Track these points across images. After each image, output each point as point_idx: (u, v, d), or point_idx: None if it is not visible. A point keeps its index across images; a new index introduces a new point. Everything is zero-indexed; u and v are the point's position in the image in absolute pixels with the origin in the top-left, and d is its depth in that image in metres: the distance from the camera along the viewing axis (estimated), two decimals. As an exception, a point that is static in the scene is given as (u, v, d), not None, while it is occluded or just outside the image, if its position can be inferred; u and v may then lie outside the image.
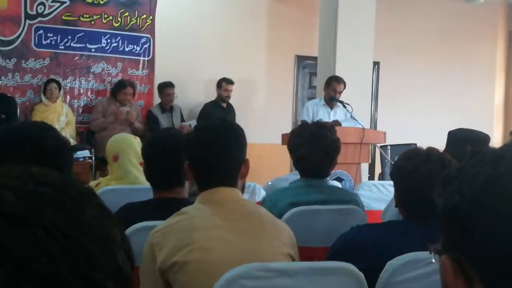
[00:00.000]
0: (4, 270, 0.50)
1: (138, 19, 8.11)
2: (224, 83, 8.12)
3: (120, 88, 7.65)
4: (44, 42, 7.66)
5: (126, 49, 8.09)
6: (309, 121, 5.49)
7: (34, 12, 7.58)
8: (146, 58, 8.21)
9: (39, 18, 7.61)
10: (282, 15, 9.00)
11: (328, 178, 3.07)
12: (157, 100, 8.15)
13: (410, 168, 2.15)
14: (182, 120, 7.92)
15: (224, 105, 8.17)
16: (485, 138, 3.60)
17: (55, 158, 1.63)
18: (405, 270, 1.88)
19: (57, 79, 7.62)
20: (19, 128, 1.82)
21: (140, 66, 8.19)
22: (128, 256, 0.60)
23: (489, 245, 0.78)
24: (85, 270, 0.54)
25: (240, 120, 7.21)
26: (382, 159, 6.89)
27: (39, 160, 1.58)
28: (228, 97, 8.17)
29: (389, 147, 6.78)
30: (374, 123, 9.36)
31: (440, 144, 3.44)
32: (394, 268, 1.88)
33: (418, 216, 2.12)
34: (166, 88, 7.88)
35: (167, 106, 7.93)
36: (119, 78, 7.96)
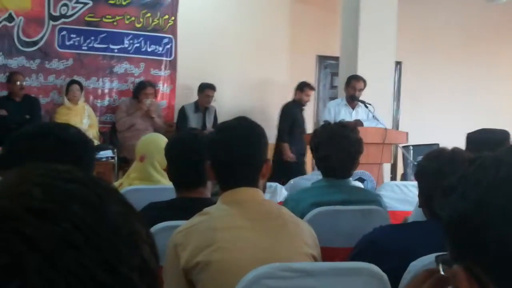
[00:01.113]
0: (34, 262, 0.51)
1: (160, 19, 8.14)
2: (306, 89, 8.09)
3: (140, 89, 7.70)
4: (67, 43, 7.72)
5: (149, 50, 8.13)
6: (331, 121, 5.48)
7: (58, 13, 7.64)
8: (168, 59, 8.24)
9: (63, 19, 7.67)
10: (303, 15, 8.98)
11: (350, 178, 3.06)
12: (179, 100, 8.18)
13: (435, 168, 2.13)
14: (215, 122, 7.91)
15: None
16: (503, 138, 3.55)
17: (76, 150, 1.65)
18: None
19: (80, 79, 7.68)
20: (44, 123, 1.85)
21: (163, 67, 8.23)
22: (152, 251, 0.61)
23: (500, 247, 0.78)
24: (112, 264, 0.55)
25: (261, 120, 7.21)
26: (405, 159, 6.84)
27: (61, 151, 1.60)
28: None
29: (411, 147, 6.73)
30: (396, 123, 9.30)
31: (463, 144, 3.41)
32: (417, 269, 1.87)
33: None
34: (207, 89, 7.90)
35: (201, 106, 7.96)
36: (142, 78, 8.01)
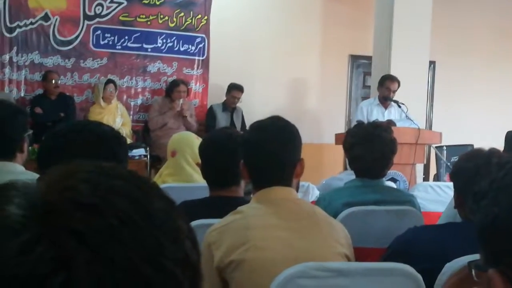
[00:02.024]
0: (82, 255, 0.53)
1: (193, 19, 8.19)
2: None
3: (173, 87, 7.76)
4: (101, 42, 7.81)
5: (181, 49, 8.18)
6: (364, 121, 5.45)
7: (92, 13, 7.73)
8: (201, 58, 8.28)
9: (97, 19, 7.76)
10: (336, 14, 8.95)
11: (383, 178, 3.05)
12: (211, 99, 8.23)
13: (471, 168, 2.11)
14: (243, 122, 7.95)
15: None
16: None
17: (111, 146, 1.68)
18: (464, 273, 1.84)
19: (114, 78, 7.77)
20: (78, 121, 1.90)
21: (195, 66, 8.28)
22: (194, 246, 0.62)
23: None
24: (156, 257, 0.56)
25: (293, 119, 7.20)
26: (438, 160, 6.77)
27: (96, 146, 1.63)
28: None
29: (445, 147, 6.66)
30: (429, 123, 9.21)
31: (498, 145, 3.36)
32: (452, 270, 1.85)
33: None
34: (234, 90, 7.96)
35: (229, 106, 8.01)
36: (174, 77, 8.06)
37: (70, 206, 0.55)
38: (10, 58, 7.47)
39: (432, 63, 8.96)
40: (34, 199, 0.57)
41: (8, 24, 7.41)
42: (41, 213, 0.55)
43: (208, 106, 8.21)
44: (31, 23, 7.51)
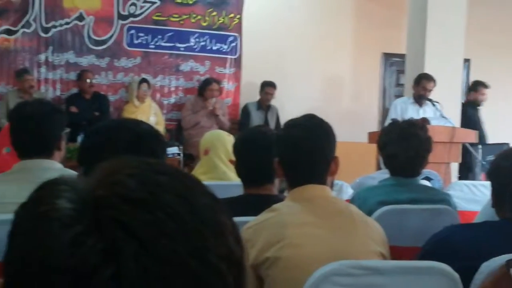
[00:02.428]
0: (130, 248, 0.54)
1: (226, 18, 8.22)
2: None
3: (206, 85, 7.81)
4: (135, 42, 7.89)
5: (214, 48, 8.22)
6: (398, 119, 5.40)
7: (126, 13, 7.82)
8: (234, 57, 8.31)
9: (131, 18, 7.85)
10: (369, 12, 8.90)
11: (418, 177, 3.02)
12: (244, 98, 8.25)
13: (508, 167, 2.09)
14: (278, 121, 7.97)
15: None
16: None
17: (150, 144, 1.70)
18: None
19: (147, 77, 7.84)
20: (117, 119, 1.95)
21: (228, 65, 8.31)
22: (238, 243, 0.63)
23: None
24: (201, 252, 0.57)
25: (326, 118, 7.18)
26: (473, 159, 6.69)
27: (135, 144, 1.66)
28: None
29: (480, 146, 6.58)
30: (464, 121, 9.10)
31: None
32: (490, 270, 1.83)
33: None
34: (267, 86, 8.01)
35: (264, 104, 8.03)
36: (207, 76, 8.11)
37: (118, 200, 0.57)
38: (46, 57, 7.60)
39: (467, 61, 8.84)
40: (84, 194, 0.58)
41: (44, 24, 7.53)
42: (91, 207, 0.57)
43: (241, 105, 8.24)
44: (66, 23, 7.62)
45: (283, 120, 7.86)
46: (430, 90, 6.64)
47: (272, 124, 7.83)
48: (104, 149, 1.63)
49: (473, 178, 6.67)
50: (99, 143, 1.70)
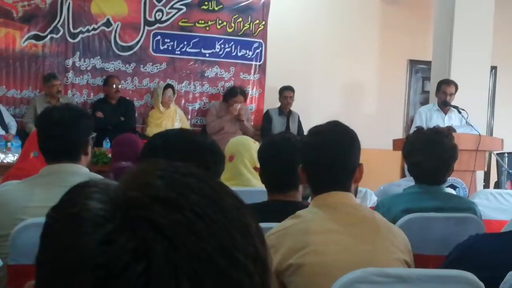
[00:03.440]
0: (160, 246, 0.56)
1: (251, 24, 8.25)
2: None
3: (231, 96, 7.82)
4: (161, 48, 7.95)
5: (239, 54, 8.25)
6: (423, 126, 5.37)
7: (153, 19, 7.88)
8: (258, 63, 8.33)
9: (157, 25, 7.91)
10: (394, 19, 8.87)
11: (443, 185, 3.00)
12: (268, 104, 8.26)
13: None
14: (300, 126, 7.97)
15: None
16: None
17: (205, 158, 1.77)
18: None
19: (172, 83, 7.89)
20: (184, 130, 2.08)
21: (252, 71, 8.33)
22: (262, 242, 0.65)
23: None
24: (230, 250, 0.59)
25: (350, 124, 7.17)
26: (499, 167, 6.63)
27: (190, 155, 1.72)
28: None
29: (506, 154, 6.52)
30: (490, 129, 9.02)
31: None
32: (516, 279, 1.82)
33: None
34: (285, 90, 8.02)
35: (285, 110, 8.04)
36: (232, 82, 8.14)
37: (148, 200, 0.59)
38: (73, 63, 7.69)
39: (493, 68, 8.77)
40: (114, 195, 0.61)
41: (71, 30, 7.62)
42: (121, 207, 0.59)
43: (265, 111, 8.25)
44: (94, 29, 7.71)
45: (306, 126, 7.84)
46: (451, 94, 6.59)
47: (293, 130, 7.82)
48: (161, 155, 1.68)
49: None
50: (158, 148, 1.77)
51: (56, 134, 2.42)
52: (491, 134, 8.80)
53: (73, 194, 0.63)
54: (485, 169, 6.44)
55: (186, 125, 7.81)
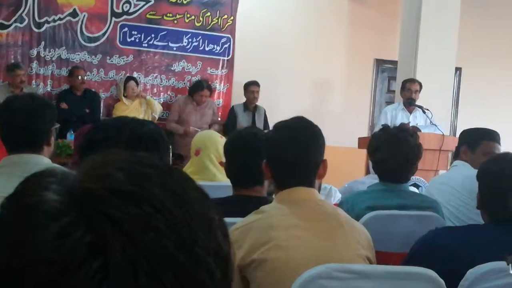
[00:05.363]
0: (118, 241, 0.54)
1: (220, 19, 8.22)
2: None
3: (197, 90, 7.72)
4: (128, 40, 7.87)
5: (207, 49, 8.21)
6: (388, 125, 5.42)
7: (120, 10, 7.79)
8: (226, 58, 8.30)
9: (125, 16, 7.82)
10: (362, 18, 8.93)
11: (407, 183, 3.03)
12: (235, 99, 8.24)
13: (497, 170, 2.12)
14: (266, 121, 7.93)
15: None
16: None
17: (147, 147, 1.68)
18: (486, 279, 1.83)
19: (139, 76, 7.82)
20: (122, 117, 1.93)
21: (220, 66, 8.30)
22: (225, 236, 0.63)
23: None
24: (189, 245, 0.57)
25: (316, 121, 7.20)
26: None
27: (132, 145, 1.64)
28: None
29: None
30: (454, 129, 9.14)
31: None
32: (475, 277, 1.84)
33: (503, 220, 2.10)
34: (250, 85, 7.92)
35: (250, 105, 7.97)
36: (199, 77, 8.09)
37: (106, 193, 0.56)
38: (38, 53, 7.56)
39: (458, 69, 8.89)
40: (71, 186, 0.58)
41: (37, 19, 7.50)
42: (78, 199, 0.56)
43: (231, 106, 8.22)
44: (60, 19, 7.59)
45: (273, 122, 7.83)
46: (416, 91, 6.68)
47: (260, 125, 7.76)
48: (103, 146, 1.62)
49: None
50: (99, 140, 1.68)
51: (18, 124, 2.38)
52: (455, 134, 8.91)
53: (29, 184, 0.61)
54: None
55: (153, 118, 7.72)
